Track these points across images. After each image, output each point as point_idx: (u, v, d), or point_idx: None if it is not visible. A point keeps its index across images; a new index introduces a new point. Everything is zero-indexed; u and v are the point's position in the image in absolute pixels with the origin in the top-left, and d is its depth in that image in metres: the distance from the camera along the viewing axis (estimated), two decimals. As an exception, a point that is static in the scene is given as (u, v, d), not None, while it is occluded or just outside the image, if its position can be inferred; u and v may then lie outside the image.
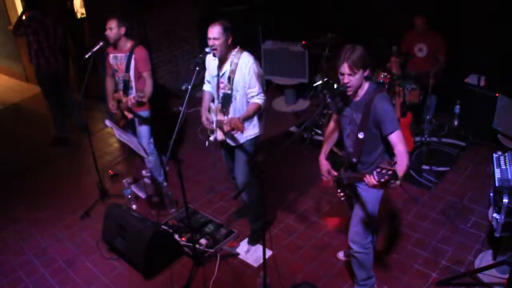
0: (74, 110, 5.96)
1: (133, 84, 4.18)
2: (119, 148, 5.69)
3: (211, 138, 3.65)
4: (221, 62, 3.44)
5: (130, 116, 4.20)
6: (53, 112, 5.81)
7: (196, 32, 6.86)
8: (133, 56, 4.09)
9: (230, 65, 3.37)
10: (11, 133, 6.44)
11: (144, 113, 4.25)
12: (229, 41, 3.32)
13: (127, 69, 4.12)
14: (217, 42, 3.27)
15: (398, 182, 2.54)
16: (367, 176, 2.51)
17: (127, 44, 4.12)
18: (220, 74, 3.45)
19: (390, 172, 2.35)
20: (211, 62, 3.55)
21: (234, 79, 3.36)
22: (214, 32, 3.24)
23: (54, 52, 5.46)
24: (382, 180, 2.39)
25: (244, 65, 3.33)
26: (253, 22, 6.53)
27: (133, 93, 4.17)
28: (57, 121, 5.85)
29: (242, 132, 3.24)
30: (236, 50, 3.39)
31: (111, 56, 4.20)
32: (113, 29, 4.01)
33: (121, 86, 4.23)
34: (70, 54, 6.40)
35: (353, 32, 5.39)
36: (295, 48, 6.02)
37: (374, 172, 2.43)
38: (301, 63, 6.06)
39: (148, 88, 4.14)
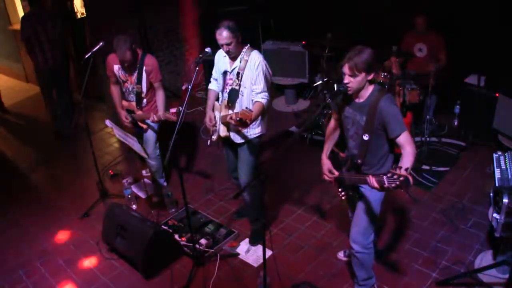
0: (71, 112, 5.95)
1: (144, 94, 4.07)
2: (119, 148, 5.69)
3: (214, 136, 3.66)
4: (232, 59, 3.45)
5: (144, 126, 4.15)
6: (52, 110, 5.80)
7: (196, 32, 6.86)
8: (144, 67, 3.95)
9: (240, 62, 3.39)
10: (11, 133, 6.43)
11: (156, 125, 4.16)
12: (240, 40, 3.33)
13: (139, 81, 3.99)
14: (230, 47, 3.28)
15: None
16: (373, 180, 2.49)
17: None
18: (230, 70, 3.47)
19: (402, 179, 2.25)
20: (220, 58, 3.56)
21: (243, 75, 3.38)
22: (224, 37, 3.24)
23: (53, 49, 5.43)
24: (393, 185, 2.30)
25: (253, 62, 3.36)
26: (253, 22, 6.53)
27: (144, 103, 4.10)
28: (57, 119, 5.85)
29: (249, 121, 3.19)
30: (246, 47, 3.41)
31: (116, 67, 4.05)
32: (130, 56, 3.80)
33: (131, 97, 4.11)
34: (70, 54, 6.41)
35: (353, 32, 5.38)
36: (295, 48, 6.02)
37: (384, 177, 2.35)
38: (301, 63, 6.06)
39: (160, 99, 4.05)
